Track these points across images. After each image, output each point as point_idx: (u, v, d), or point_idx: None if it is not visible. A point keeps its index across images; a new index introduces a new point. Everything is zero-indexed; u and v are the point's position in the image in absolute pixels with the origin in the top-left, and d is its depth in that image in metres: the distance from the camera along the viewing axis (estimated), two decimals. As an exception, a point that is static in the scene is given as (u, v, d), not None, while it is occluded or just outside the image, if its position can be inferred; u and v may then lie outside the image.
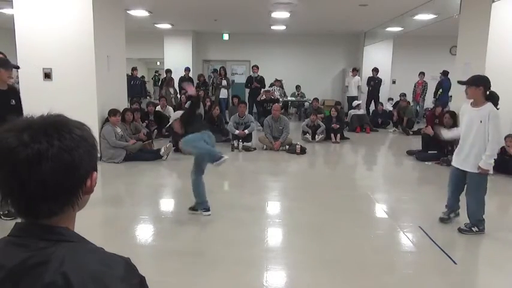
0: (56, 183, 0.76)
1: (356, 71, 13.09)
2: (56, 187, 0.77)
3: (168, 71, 12.77)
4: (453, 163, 4.00)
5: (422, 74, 12.41)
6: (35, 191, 0.75)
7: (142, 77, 16.50)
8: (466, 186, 3.89)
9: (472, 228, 3.84)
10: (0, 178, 0.76)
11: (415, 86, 12.63)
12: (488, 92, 3.72)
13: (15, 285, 0.74)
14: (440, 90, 11.28)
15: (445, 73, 11.31)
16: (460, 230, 3.87)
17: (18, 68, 4.19)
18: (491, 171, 3.73)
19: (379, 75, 12.68)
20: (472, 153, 3.73)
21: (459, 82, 3.91)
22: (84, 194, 0.83)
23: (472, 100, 3.79)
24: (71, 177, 0.78)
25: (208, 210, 4.27)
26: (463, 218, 4.02)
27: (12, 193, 0.76)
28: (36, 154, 0.74)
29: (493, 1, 6.46)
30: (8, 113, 3.76)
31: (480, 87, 3.67)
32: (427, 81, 12.46)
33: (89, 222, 3.58)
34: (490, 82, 3.72)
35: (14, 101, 4.06)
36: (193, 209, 4.34)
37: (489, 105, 3.70)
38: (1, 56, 5.61)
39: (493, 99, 3.75)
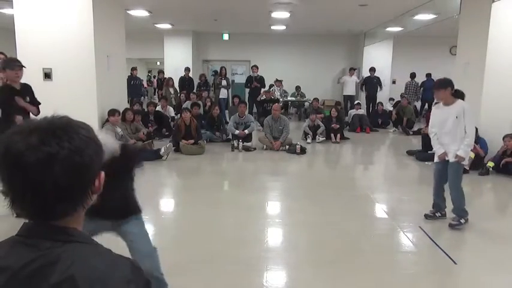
0: (68, 184, 0.76)
1: (353, 70, 13.11)
2: (69, 188, 0.77)
3: (161, 72, 13.29)
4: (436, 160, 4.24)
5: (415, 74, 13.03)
6: (49, 194, 0.75)
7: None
8: (449, 179, 4.09)
9: (460, 221, 4.03)
10: (11, 183, 0.76)
11: None
12: (453, 91, 4.08)
13: (21, 286, 0.73)
14: (422, 89, 12.80)
15: (428, 75, 12.82)
16: (450, 226, 4.02)
17: (23, 66, 4.28)
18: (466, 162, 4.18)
19: (378, 74, 12.68)
20: (452, 145, 4.03)
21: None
22: (92, 194, 0.83)
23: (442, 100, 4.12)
24: (83, 178, 0.79)
25: None
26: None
27: (25, 197, 0.76)
28: (47, 157, 0.73)
29: (493, 1, 6.46)
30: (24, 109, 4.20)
31: (448, 88, 3.98)
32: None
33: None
34: (453, 83, 4.06)
35: (28, 98, 4.31)
36: None
37: (460, 101, 4.06)
38: (1, 57, 5.63)
39: (461, 96, 4.28)
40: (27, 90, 4.39)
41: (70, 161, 0.75)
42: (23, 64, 4.28)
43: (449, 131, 4.02)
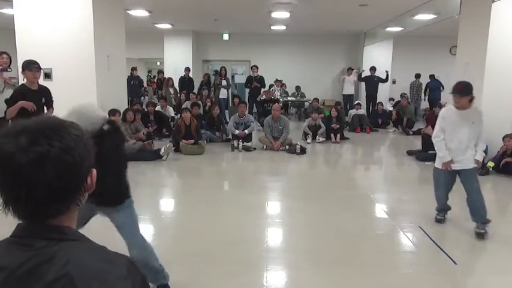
0: (61, 183, 0.76)
1: (351, 69, 13.13)
2: (62, 188, 0.77)
3: (160, 72, 13.44)
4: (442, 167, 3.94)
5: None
6: (43, 194, 0.75)
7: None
8: (469, 185, 3.84)
9: (486, 228, 3.79)
10: (4, 185, 0.76)
11: None
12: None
13: (18, 285, 0.73)
14: (428, 90, 12.86)
15: (431, 76, 12.85)
16: (480, 235, 3.76)
17: (41, 68, 4.56)
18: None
19: (378, 74, 12.68)
20: (468, 151, 3.81)
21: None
22: (85, 192, 0.83)
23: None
24: (75, 176, 0.79)
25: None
26: (454, 216, 4.02)
27: (19, 198, 0.76)
28: (38, 157, 0.73)
29: (493, 1, 6.46)
30: (41, 110, 4.50)
31: (472, 94, 3.73)
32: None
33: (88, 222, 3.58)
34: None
35: (44, 99, 4.60)
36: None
37: (476, 107, 3.85)
38: (4, 56, 5.65)
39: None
40: (44, 92, 4.64)
41: (61, 160, 0.75)
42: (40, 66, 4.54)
43: (464, 137, 3.78)
